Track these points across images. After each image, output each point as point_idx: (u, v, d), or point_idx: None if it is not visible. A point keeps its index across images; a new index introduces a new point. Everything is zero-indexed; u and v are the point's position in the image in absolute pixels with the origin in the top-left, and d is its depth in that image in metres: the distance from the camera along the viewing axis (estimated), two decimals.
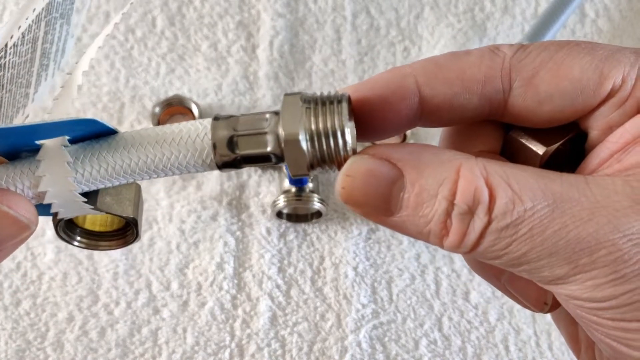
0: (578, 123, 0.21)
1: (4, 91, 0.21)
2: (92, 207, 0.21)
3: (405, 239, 0.45)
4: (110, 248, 0.24)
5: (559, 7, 0.49)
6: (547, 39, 0.48)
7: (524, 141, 0.21)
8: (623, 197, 0.18)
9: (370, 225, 0.45)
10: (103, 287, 0.43)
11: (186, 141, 0.20)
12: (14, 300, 0.42)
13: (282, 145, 0.20)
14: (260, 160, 0.20)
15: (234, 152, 0.20)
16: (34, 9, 0.23)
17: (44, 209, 0.22)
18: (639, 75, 0.20)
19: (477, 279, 0.44)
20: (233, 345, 0.42)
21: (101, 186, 0.21)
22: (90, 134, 0.21)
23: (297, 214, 0.45)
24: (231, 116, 0.20)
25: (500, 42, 0.51)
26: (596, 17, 0.53)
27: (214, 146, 0.20)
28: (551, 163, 0.21)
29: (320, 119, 0.19)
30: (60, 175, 0.20)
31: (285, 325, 0.43)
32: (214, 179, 0.46)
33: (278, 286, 0.44)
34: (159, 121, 0.46)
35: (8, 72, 0.22)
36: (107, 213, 0.22)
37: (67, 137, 0.21)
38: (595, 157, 0.20)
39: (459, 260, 0.45)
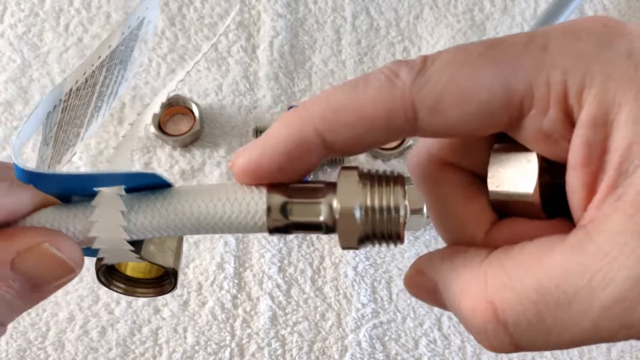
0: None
1: (60, 131, 0.22)
2: (137, 255, 0.22)
3: (405, 239, 0.45)
4: (146, 295, 0.25)
5: (558, 8, 0.49)
6: None
7: (511, 152, 0.21)
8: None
9: None
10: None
11: (240, 202, 0.21)
12: None
13: (336, 216, 0.20)
14: (311, 228, 0.21)
15: (287, 219, 0.21)
16: (100, 57, 0.23)
17: (89, 251, 0.22)
18: (549, 77, 0.18)
19: None
20: (233, 344, 0.42)
21: (150, 236, 0.22)
22: (147, 186, 0.21)
23: None
24: (286, 184, 0.21)
25: None
26: None
27: (268, 210, 0.20)
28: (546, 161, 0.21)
29: (376, 196, 0.20)
30: (113, 223, 0.21)
31: (285, 324, 0.43)
32: (214, 179, 0.46)
33: (278, 286, 0.44)
34: (160, 121, 0.46)
35: (67, 114, 0.23)
36: (149, 262, 0.22)
37: (123, 187, 0.21)
38: (575, 195, 0.19)
39: None
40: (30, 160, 0.44)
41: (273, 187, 0.21)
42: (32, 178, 0.20)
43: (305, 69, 0.50)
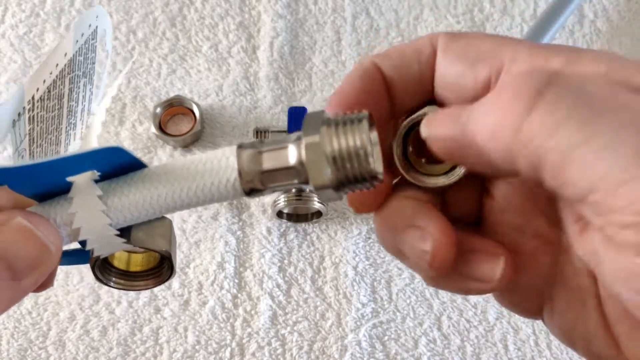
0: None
1: (34, 145, 0.22)
2: (125, 241, 0.21)
3: None
4: (147, 287, 0.24)
5: (558, 8, 0.49)
6: (546, 41, 0.48)
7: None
8: None
9: (370, 224, 0.46)
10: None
11: (211, 170, 0.21)
12: None
13: (303, 152, 0.20)
14: (285, 177, 0.20)
15: (260, 187, 0.20)
16: (57, 64, 0.23)
17: (81, 257, 0.22)
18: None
19: None
20: (234, 344, 0.42)
21: (133, 221, 0.21)
22: (119, 168, 0.21)
23: (298, 214, 0.45)
24: (253, 147, 0.21)
25: None
26: (595, 17, 0.53)
27: (241, 178, 0.20)
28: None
29: (341, 136, 0.19)
30: (92, 209, 0.21)
31: (285, 324, 0.43)
32: None
33: (278, 285, 0.44)
34: (160, 121, 0.47)
35: (37, 125, 0.22)
36: (140, 247, 0.22)
37: (97, 173, 0.21)
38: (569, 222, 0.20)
39: None
40: None
41: (242, 147, 0.21)
42: (3, 176, 0.20)
43: (306, 70, 0.50)
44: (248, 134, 0.47)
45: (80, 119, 0.26)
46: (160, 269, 0.24)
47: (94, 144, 0.22)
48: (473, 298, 0.44)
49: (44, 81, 0.23)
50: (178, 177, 0.21)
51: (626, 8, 0.53)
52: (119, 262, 0.24)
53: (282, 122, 0.48)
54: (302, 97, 0.49)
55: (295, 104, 0.49)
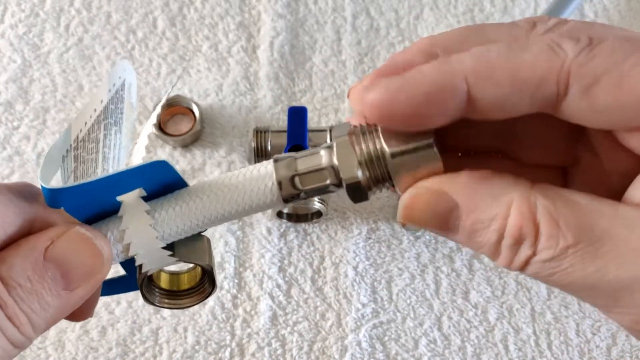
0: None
1: (77, 182, 0.23)
2: (171, 254, 0.23)
3: (405, 239, 0.45)
4: (192, 304, 0.26)
5: (558, 8, 0.49)
6: None
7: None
8: None
9: (370, 224, 0.45)
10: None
11: (250, 179, 0.22)
12: None
13: (335, 152, 0.22)
14: (318, 179, 0.22)
15: (297, 189, 0.22)
16: (95, 109, 0.25)
17: (123, 284, 0.24)
18: None
19: (477, 278, 0.44)
20: (234, 344, 0.42)
21: (179, 234, 0.23)
22: (163, 187, 0.23)
23: (298, 214, 0.45)
24: (289, 156, 0.23)
25: None
26: (595, 17, 0.53)
27: (280, 184, 0.22)
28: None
29: (363, 146, 0.21)
30: (141, 224, 0.22)
31: (285, 324, 0.43)
32: None
33: (278, 286, 0.44)
34: (160, 121, 0.46)
35: (80, 165, 0.24)
36: (185, 262, 0.24)
37: (143, 190, 0.22)
38: None
39: (458, 260, 0.45)
40: None
41: (278, 162, 0.22)
42: (59, 196, 0.21)
43: (306, 69, 0.50)
44: (248, 134, 0.47)
45: (112, 166, 0.28)
46: (202, 285, 0.26)
47: (144, 145, 0.24)
48: (473, 298, 0.44)
49: (86, 123, 0.24)
50: (220, 188, 0.22)
51: (626, 8, 0.53)
52: (164, 283, 0.25)
53: (282, 121, 0.48)
54: (302, 97, 0.49)
55: (295, 104, 0.49)
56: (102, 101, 0.25)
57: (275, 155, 0.23)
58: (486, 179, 0.20)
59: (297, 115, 0.44)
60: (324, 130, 0.45)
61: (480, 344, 0.43)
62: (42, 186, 0.20)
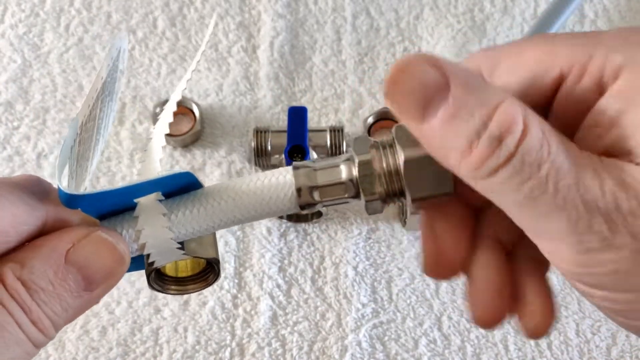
0: None
1: (76, 165, 0.23)
2: (184, 252, 0.23)
3: (405, 239, 0.45)
4: (197, 290, 0.26)
5: (559, 8, 0.49)
6: None
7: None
8: None
9: (371, 225, 0.46)
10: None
11: (269, 186, 0.23)
12: None
13: (355, 169, 0.23)
14: (337, 192, 0.23)
15: (314, 200, 0.23)
16: (97, 89, 0.25)
17: (133, 264, 0.24)
18: (594, 51, 0.20)
19: None
20: (234, 344, 0.42)
21: (194, 234, 0.23)
22: (180, 188, 0.23)
23: (298, 214, 0.45)
24: (308, 166, 0.23)
25: (500, 43, 0.52)
26: (595, 17, 0.53)
27: (299, 192, 0.23)
28: None
29: (383, 162, 0.22)
30: (157, 226, 0.22)
31: (285, 324, 0.43)
32: (214, 179, 0.46)
33: (278, 286, 0.44)
34: None
35: (81, 147, 0.24)
36: (194, 257, 0.24)
37: (160, 194, 0.22)
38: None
39: None
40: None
41: (298, 169, 0.23)
42: (77, 200, 0.21)
43: (306, 69, 0.50)
44: (248, 134, 0.47)
45: (102, 135, 0.28)
46: (206, 273, 0.26)
47: (157, 168, 0.24)
48: None
49: (89, 106, 0.24)
50: (238, 193, 0.23)
51: (627, 8, 0.53)
52: (169, 270, 0.26)
53: (282, 121, 0.48)
54: (302, 97, 0.49)
55: (295, 104, 0.49)
56: (102, 78, 0.25)
57: (294, 163, 0.23)
58: (483, 77, 0.21)
59: (297, 115, 0.44)
60: (324, 130, 0.45)
61: (480, 344, 0.43)
62: (59, 189, 0.20)
